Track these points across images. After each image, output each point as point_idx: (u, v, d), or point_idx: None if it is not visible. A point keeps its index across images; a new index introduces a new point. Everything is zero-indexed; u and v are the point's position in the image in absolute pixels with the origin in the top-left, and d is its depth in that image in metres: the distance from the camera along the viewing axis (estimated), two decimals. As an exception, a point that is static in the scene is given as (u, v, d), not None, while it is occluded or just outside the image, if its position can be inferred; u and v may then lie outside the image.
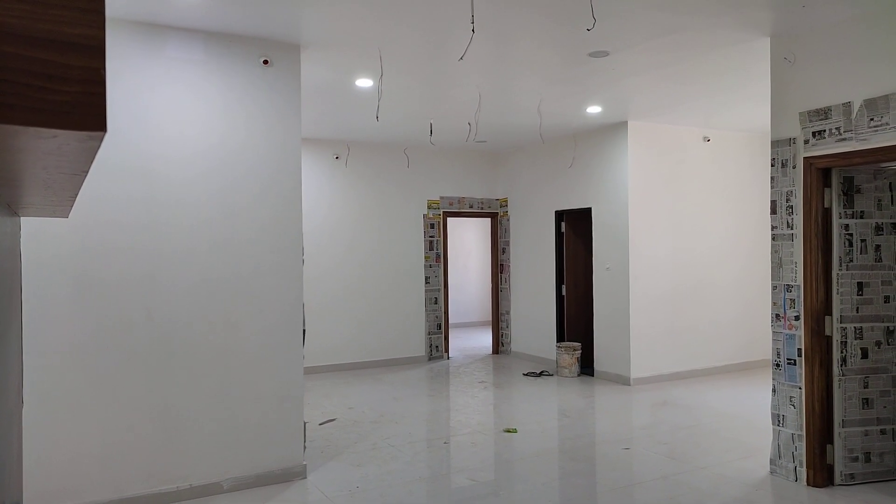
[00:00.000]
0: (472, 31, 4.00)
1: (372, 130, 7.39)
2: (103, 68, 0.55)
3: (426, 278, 8.73)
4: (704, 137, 7.58)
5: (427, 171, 8.75)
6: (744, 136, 7.90)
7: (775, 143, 4.33)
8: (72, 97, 0.58)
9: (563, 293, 8.12)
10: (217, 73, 4.07)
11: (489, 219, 9.53)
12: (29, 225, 3.46)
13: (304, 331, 4.38)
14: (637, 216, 7.13)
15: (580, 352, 7.65)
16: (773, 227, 4.34)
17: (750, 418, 5.64)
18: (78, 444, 3.67)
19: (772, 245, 4.35)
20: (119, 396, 3.79)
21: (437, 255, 8.82)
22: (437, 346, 8.80)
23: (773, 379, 4.32)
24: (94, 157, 0.75)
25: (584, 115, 6.70)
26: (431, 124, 6.94)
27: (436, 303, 8.80)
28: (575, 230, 8.15)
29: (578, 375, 7.61)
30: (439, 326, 8.83)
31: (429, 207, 8.78)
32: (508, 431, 5.40)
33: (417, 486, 4.24)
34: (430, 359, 8.73)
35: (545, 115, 6.62)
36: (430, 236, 8.78)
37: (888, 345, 4.13)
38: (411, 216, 8.65)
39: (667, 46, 4.51)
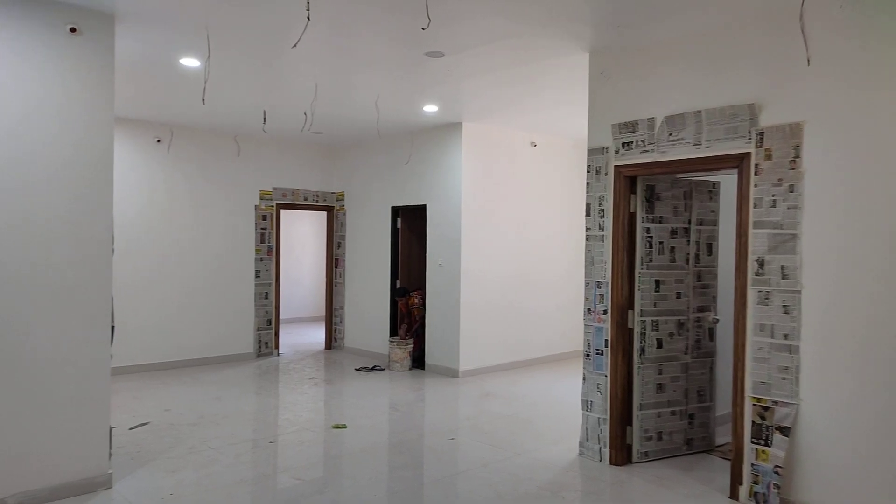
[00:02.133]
0: (308, 17, 3.89)
1: (199, 114, 6.94)
2: None
3: (257, 272, 8.38)
4: (532, 142, 8.03)
5: (260, 160, 8.40)
6: (568, 142, 8.49)
7: (591, 151, 4.69)
8: None
9: (398, 288, 8.20)
10: (13, 39, 3.58)
11: (325, 212, 9.36)
12: None
13: (112, 327, 3.99)
14: (469, 215, 7.38)
15: (412, 346, 7.77)
16: (587, 229, 4.70)
17: (563, 406, 6.07)
18: None
19: (585, 245, 4.71)
20: None
21: (270, 248, 8.51)
22: (266, 343, 8.48)
23: (584, 368, 4.69)
24: None
25: (421, 113, 6.81)
26: (265, 112, 6.66)
27: (266, 297, 8.48)
28: (410, 226, 8.27)
29: (410, 369, 7.73)
30: (269, 322, 8.52)
31: (261, 198, 8.43)
32: (337, 427, 5.34)
33: (239, 489, 4.05)
34: (258, 355, 8.39)
35: (383, 110, 6.62)
36: (262, 228, 8.44)
37: (679, 336, 4.64)
38: (242, 207, 8.25)
39: (499, 51, 4.70)
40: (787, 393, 3.65)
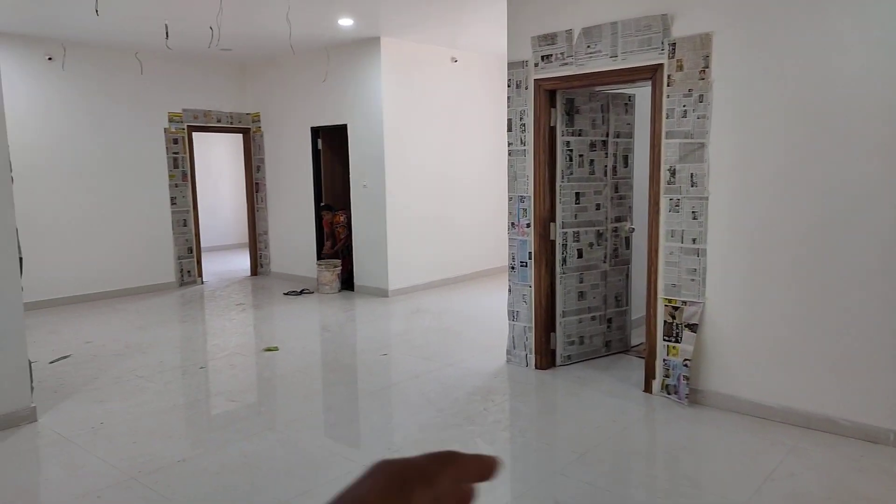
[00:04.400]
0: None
1: (94, 29, 6.40)
2: None
3: (172, 198, 8.05)
4: (452, 58, 7.90)
5: (166, 80, 7.90)
6: (488, 57, 8.40)
7: (511, 65, 4.68)
8: None
9: (321, 214, 8.10)
10: None
11: (241, 135, 9.00)
12: None
13: (20, 259, 3.80)
14: (391, 133, 7.28)
15: (340, 268, 7.78)
16: (509, 144, 4.75)
17: (491, 318, 6.30)
18: None
19: (508, 160, 4.77)
20: None
21: (184, 174, 8.15)
22: (188, 271, 8.28)
23: (510, 280, 4.85)
24: None
25: (336, 27, 6.53)
26: (167, 25, 6.21)
27: (185, 225, 8.20)
28: (331, 147, 8.09)
29: (339, 291, 7.77)
30: (190, 250, 8.28)
31: (170, 121, 7.99)
32: (269, 350, 5.36)
33: (172, 415, 4.05)
34: (181, 284, 8.20)
35: (295, 25, 6.31)
36: (174, 153, 8.05)
37: (598, 245, 4.85)
38: (150, 130, 7.80)
39: (415, -39, 4.53)
40: (694, 293, 3.92)
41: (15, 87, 6.57)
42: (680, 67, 3.84)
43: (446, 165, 7.99)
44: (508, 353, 4.90)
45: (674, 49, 3.86)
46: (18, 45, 6.67)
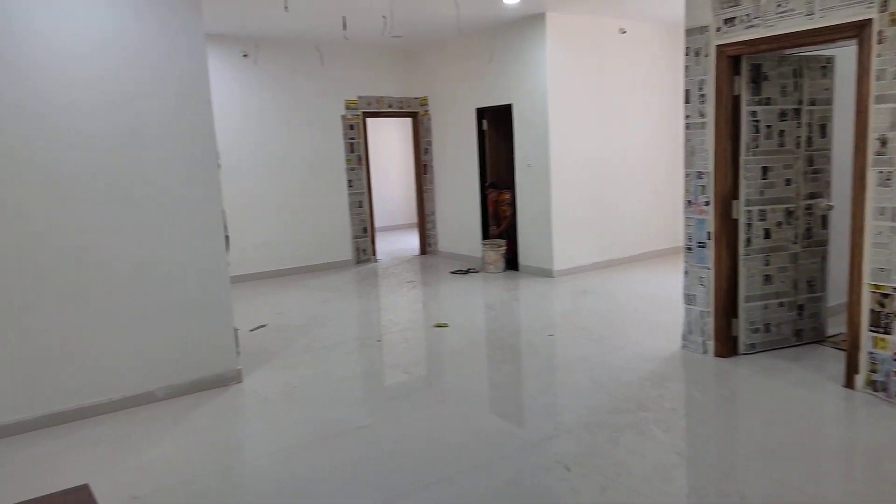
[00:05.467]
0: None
1: (281, 25, 6.96)
2: None
3: (349, 181, 8.59)
4: (620, 29, 7.57)
5: (343, 69, 8.40)
6: (658, 26, 7.94)
7: (689, 32, 4.38)
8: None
9: (486, 192, 8.20)
10: (103, -40, 3.67)
11: (409, 119, 9.35)
12: None
13: (227, 237, 4.26)
14: (556, 111, 7.16)
15: (505, 248, 7.84)
16: (686, 116, 4.46)
17: (662, 301, 6.03)
18: (-6, 366, 3.53)
19: (685, 134, 4.49)
20: (30, 314, 3.63)
21: (359, 158, 8.65)
22: (364, 250, 8.81)
23: (685, 261, 4.60)
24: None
25: (501, 6, 6.52)
26: (344, 18, 6.59)
27: (360, 206, 8.72)
28: (496, 127, 8.13)
29: (504, 271, 7.84)
30: (365, 230, 8.79)
31: (347, 108, 8.49)
32: (439, 326, 5.56)
33: (354, 383, 4.36)
34: (357, 262, 8.75)
35: (463, 6, 6.39)
36: (351, 138, 8.56)
37: (788, 224, 4.43)
38: (330, 117, 8.36)
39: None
40: (909, 278, 3.45)
41: (216, 83, 7.33)
42: (893, 22, 3.36)
43: (613, 142, 7.72)
44: (684, 338, 4.66)
45: (885, 1, 3.38)
46: (220, 44, 7.42)
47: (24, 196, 3.57)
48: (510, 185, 7.96)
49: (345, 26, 6.86)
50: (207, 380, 4.20)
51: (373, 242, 8.93)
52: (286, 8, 5.90)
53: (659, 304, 5.94)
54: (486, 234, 8.26)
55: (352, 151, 8.57)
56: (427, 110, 9.03)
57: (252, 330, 5.64)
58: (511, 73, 7.52)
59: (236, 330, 4.36)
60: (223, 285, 4.24)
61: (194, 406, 3.96)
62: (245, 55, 7.64)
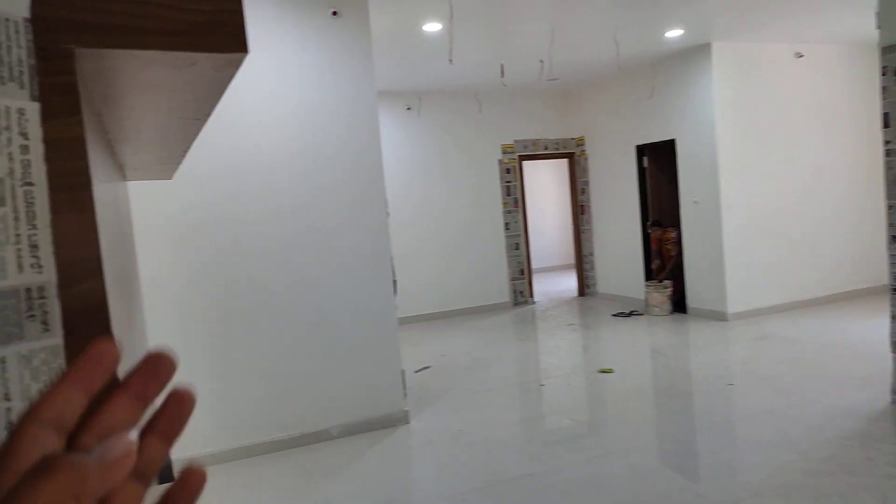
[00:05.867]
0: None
1: (442, 78, 7.27)
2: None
3: (506, 224, 8.65)
4: (797, 53, 7.03)
5: (500, 115, 8.57)
6: (840, 47, 7.28)
7: (886, 50, 3.94)
8: (207, 16, 0.55)
9: (649, 231, 7.86)
10: (288, 30, 4.06)
11: (566, 160, 9.28)
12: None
13: (395, 282, 4.43)
14: (725, 144, 6.75)
15: (671, 289, 7.43)
16: (886, 142, 3.99)
17: (859, 348, 5.35)
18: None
19: (885, 161, 4.01)
20: (225, 355, 3.98)
21: (515, 201, 8.71)
22: (521, 292, 8.77)
23: (892, 304, 4.05)
24: (223, 93, 0.73)
25: (663, 40, 6.33)
26: (502, 65, 6.74)
27: (517, 248, 8.73)
28: (658, 164, 7.82)
29: (671, 313, 7.42)
30: (522, 272, 8.78)
31: (503, 152, 8.63)
32: (604, 372, 5.34)
33: (517, 428, 4.28)
34: (515, 304, 8.72)
35: (621, 44, 6.29)
36: (507, 182, 8.65)
37: None
38: (487, 162, 8.53)
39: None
40: None
41: (385, 136, 7.79)
42: None
43: (792, 173, 7.10)
44: (893, 392, 4.07)
45: None
46: (386, 100, 7.90)
47: (227, 255, 3.97)
48: (675, 223, 7.58)
49: (503, 73, 7.02)
50: (377, 419, 4.33)
51: (530, 284, 8.87)
52: (451, 61, 6.16)
53: (856, 351, 5.27)
54: (649, 275, 7.89)
55: (508, 194, 8.66)
56: (584, 150, 8.92)
57: (417, 371, 5.78)
58: (674, 108, 7.23)
59: (403, 371, 4.49)
60: (392, 328, 4.39)
61: (368, 445, 4.09)
62: (409, 108, 8.06)
